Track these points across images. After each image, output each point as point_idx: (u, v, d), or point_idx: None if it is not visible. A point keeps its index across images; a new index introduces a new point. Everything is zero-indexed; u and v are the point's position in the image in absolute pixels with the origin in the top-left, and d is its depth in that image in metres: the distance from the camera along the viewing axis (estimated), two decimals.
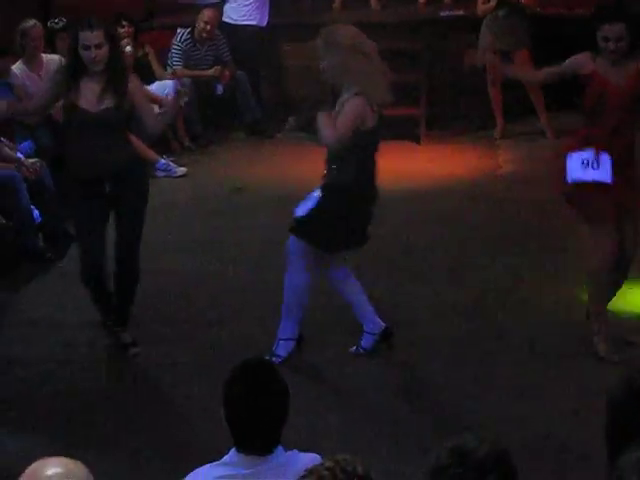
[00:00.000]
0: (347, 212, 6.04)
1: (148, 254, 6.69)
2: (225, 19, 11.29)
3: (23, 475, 2.50)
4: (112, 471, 5.14)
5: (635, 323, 6.59)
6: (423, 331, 6.56)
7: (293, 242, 6.24)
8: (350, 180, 5.98)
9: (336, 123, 5.88)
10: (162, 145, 10.22)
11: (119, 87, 6.20)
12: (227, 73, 11.09)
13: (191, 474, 3.45)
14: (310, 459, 3.24)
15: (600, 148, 6.03)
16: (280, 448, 3.36)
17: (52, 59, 9.29)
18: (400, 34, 10.88)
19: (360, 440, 5.39)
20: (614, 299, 6.39)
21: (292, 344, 6.30)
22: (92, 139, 6.19)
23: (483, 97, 10.89)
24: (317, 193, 6.07)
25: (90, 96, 6.19)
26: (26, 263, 7.95)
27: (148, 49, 10.89)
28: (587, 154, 6.07)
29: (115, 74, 6.20)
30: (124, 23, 10.29)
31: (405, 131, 10.48)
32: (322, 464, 2.60)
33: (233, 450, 3.38)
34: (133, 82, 6.35)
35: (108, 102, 6.19)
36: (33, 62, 9.16)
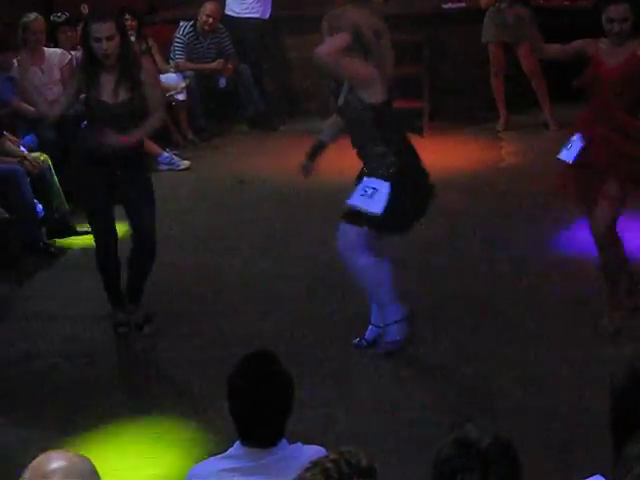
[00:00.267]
0: (416, 191, 6.03)
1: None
2: (228, 12, 11.28)
3: (27, 468, 2.50)
4: (116, 464, 5.16)
5: None
6: (426, 323, 6.55)
7: (356, 235, 6.03)
8: (407, 160, 5.98)
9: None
10: (165, 138, 10.22)
11: (133, 78, 6.26)
12: (230, 66, 11.09)
13: (195, 467, 3.46)
14: (314, 451, 3.24)
15: (589, 129, 6.18)
16: (284, 441, 3.37)
17: (54, 53, 9.30)
18: (403, 26, 10.85)
19: (364, 432, 5.39)
20: None
21: (403, 325, 6.14)
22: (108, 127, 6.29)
23: (486, 89, 10.88)
24: (381, 188, 5.92)
25: (107, 88, 6.27)
26: (29, 257, 7.96)
27: (151, 43, 10.89)
28: (574, 136, 6.28)
29: (127, 65, 6.26)
30: (127, 17, 10.28)
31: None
32: (326, 456, 2.60)
33: (237, 443, 3.38)
34: (147, 71, 6.41)
35: (124, 94, 6.26)
36: (35, 56, 9.16)
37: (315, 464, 2.58)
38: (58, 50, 9.41)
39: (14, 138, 8.63)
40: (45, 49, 9.27)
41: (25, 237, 8.00)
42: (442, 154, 10.05)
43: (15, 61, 9.03)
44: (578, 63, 6.36)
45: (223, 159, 10.39)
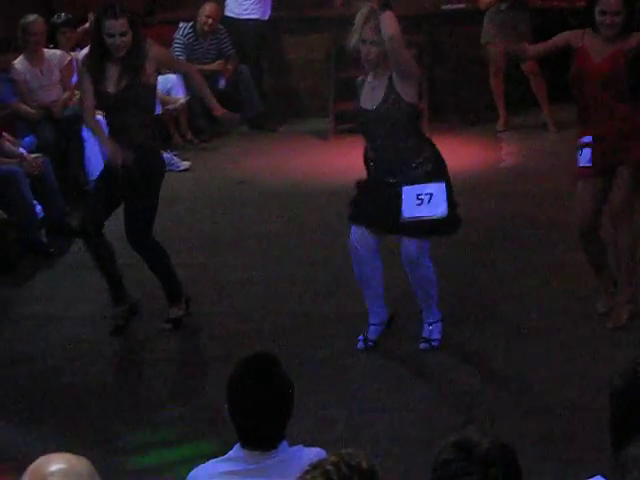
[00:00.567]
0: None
1: None
2: (227, 13, 11.28)
3: (27, 471, 2.50)
4: (118, 469, 5.17)
5: None
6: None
7: (419, 248, 6.03)
8: (439, 153, 6.07)
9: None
10: (165, 139, 10.22)
11: (135, 65, 6.34)
12: (230, 67, 11.08)
13: (196, 469, 3.45)
14: (315, 454, 3.24)
15: (583, 123, 6.29)
16: (284, 443, 3.36)
17: (53, 54, 9.29)
18: (402, 27, 10.85)
19: (364, 434, 5.39)
20: None
21: (441, 324, 6.28)
22: (112, 119, 6.48)
23: (485, 89, 10.88)
24: (436, 190, 5.92)
25: (112, 79, 6.37)
26: (29, 258, 7.96)
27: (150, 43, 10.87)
28: (584, 140, 6.29)
29: (133, 57, 6.35)
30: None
31: None
32: (326, 459, 2.60)
33: (237, 445, 3.37)
34: (158, 52, 6.54)
35: (125, 82, 6.36)
36: (34, 57, 9.16)
37: (315, 466, 2.58)
38: (58, 51, 9.41)
39: (13, 139, 8.63)
40: (45, 50, 9.27)
41: (24, 238, 8.00)
42: (442, 154, 10.04)
43: (15, 62, 9.04)
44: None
45: (223, 160, 10.39)
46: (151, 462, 5.34)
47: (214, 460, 3.43)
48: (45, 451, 2.59)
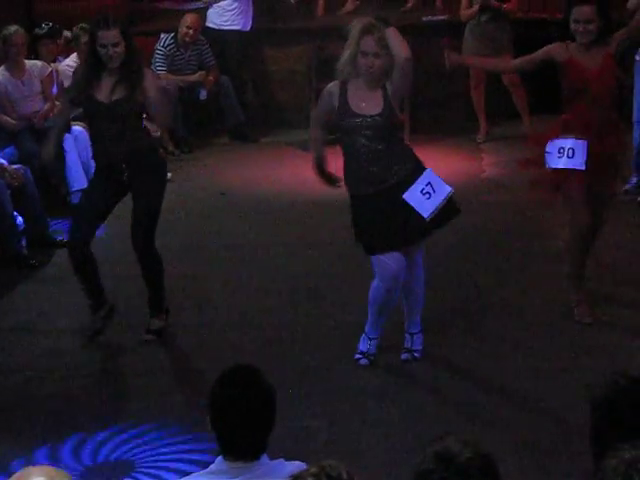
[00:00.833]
0: None
1: (132, 258, 6.68)
2: (208, 24, 11.30)
3: None
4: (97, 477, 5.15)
5: None
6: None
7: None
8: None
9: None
10: None
11: (131, 80, 6.37)
12: (211, 78, 11.09)
13: None
14: (296, 467, 3.23)
15: (580, 134, 6.33)
16: (265, 456, 3.35)
17: (34, 65, 9.28)
18: None
19: (346, 444, 5.39)
20: None
21: (422, 335, 6.33)
22: (105, 129, 6.45)
23: (466, 101, 10.92)
24: (428, 178, 5.99)
25: (104, 89, 6.41)
26: (9, 269, 7.93)
27: None
28: (565, 142, 6.36)
29: (129, 69, 6.39)
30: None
31: None
32: (307, 470, 2.60)
33: (220, 458, 3.36)
34: (149, 79, 6.51)
35: (119, 93, 6.38)
36: (15, 68, 9.14)
37: (296, 477, 2.58)
38: (39, 62, 9.39)
39: None
40: (26, 61, 9.25)
41: (5, 249, 7.97)
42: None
43: None
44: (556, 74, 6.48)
45: (204, 171, 10.39)
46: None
47: (196, 474, 3.42)
48: (25, 464, 2.59)
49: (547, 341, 6.45)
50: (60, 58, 10.02)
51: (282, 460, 3.40)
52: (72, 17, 10.24)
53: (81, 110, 7.08)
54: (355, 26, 5.98)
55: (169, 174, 9.99)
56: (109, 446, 5.52)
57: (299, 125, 11.19)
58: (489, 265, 7.62)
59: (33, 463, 2.59)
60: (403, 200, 5.92)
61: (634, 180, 8.89)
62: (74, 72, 6.92)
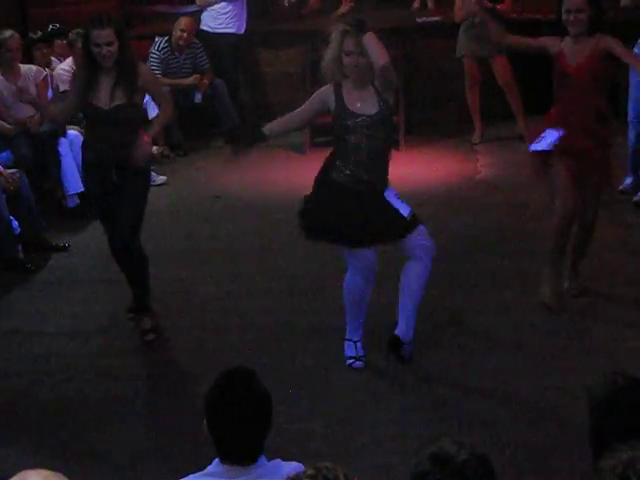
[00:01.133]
0: None
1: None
2: (203, 27, 11.30)
3: None
4: None
5: None
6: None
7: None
8: None
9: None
10: None
11: (129, 83, 6.38)
12: (205, 81, 11.09)
13: None
14: (293, 468, 3.23)
15: (562, 125, 6.54)
16: (263, 458, 3.36)
17: (29, 69, 9.28)
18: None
19: (343, 446, 5.39)
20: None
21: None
22: (105, 134, 6.43)
23: (461, 102, 10.93)
24: (397, 195, 6.14)
25: (103, 93, 6.40)
26: (5, 274, 7.92)
27: None
28: (547, 131, 6.64)
29: (124, 70, 6.39)
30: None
31: None
32: (304, 472, 2.60)
33: (216, 460, 3.37)
34: (145, 75, 6.53)
35: (119, 99, 6.39)
36: (10, 73, 9.13)
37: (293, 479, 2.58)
38: (33, 67, 9.38)
39: None
40: (20, 66, 9.25)
41: (1, 253, 7.96)
42: (418, 167, 10.09)
43: None
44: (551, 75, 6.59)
45: (199, 174, 10.39)
46: (130, 476, 5.32)
47: (193, 475, 3.43)
48: (22, 467, 2.59)
49: (546, 341, 6.46)
50: (54, 59, 10.01)
51: (279, 460, 3.40)
52: (67, 22, 10.23)
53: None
54: (335, 30, 6.04)
55: (165, 177, 10.14)
56: None
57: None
58: (485, 266, 7.62)
59: (29, 467, 2.58)
60: (381, 200, 6.01)
61: (629, 180, 8.90)
62: (73, 77, 6.87)
